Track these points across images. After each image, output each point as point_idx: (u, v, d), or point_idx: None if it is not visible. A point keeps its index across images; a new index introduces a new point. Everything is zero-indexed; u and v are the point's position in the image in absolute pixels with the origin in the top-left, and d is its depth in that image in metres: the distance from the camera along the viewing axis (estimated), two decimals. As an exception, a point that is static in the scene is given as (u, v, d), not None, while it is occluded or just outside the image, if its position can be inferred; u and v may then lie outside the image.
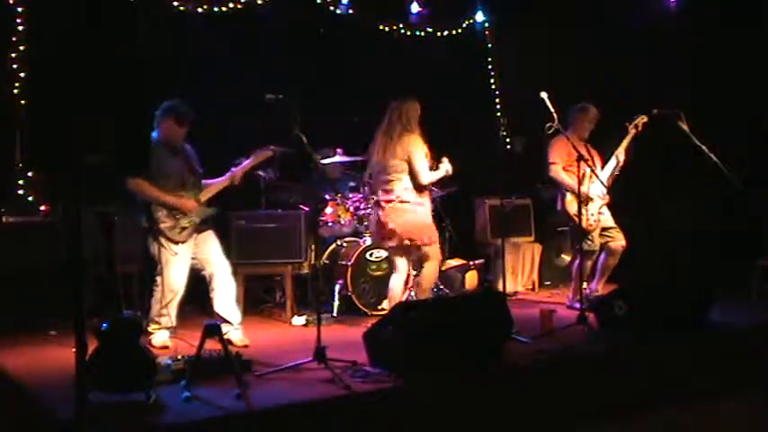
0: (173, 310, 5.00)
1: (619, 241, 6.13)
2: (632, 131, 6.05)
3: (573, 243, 6.64)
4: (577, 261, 6.12)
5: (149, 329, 4.93)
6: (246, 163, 5.30)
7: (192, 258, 5.08)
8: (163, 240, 4.94)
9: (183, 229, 4.99)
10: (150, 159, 4.84)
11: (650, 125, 6.05)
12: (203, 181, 5.26)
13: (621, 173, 6.11)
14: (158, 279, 4.96)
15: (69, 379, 3.45)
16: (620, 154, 6.06)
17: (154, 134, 5.00)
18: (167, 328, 4.99)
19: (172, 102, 5.00)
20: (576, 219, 5.85)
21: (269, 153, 5.36)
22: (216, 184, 5.24)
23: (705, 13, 7.14)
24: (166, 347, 4.89)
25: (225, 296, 5.09)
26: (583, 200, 5.82)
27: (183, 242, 4.98)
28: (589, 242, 5.99)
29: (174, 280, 4.95)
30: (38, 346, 4.97)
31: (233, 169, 5.28)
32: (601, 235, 6.08)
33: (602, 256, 6.16)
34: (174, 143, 5.06)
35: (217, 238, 5.22)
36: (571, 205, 5.99)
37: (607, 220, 6.15)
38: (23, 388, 4.02)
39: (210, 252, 5.12)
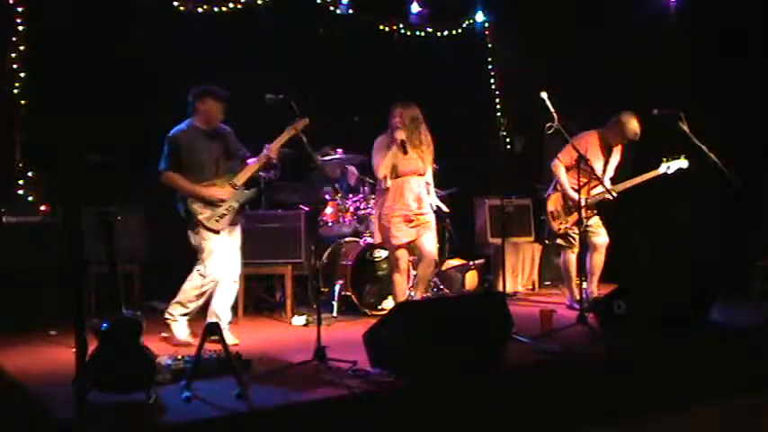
0: (203, 299, 5.00)
1: (600, 236, 6.11)
2: (661, 171, 6.02)
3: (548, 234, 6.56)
4: (562, 257, 6.25)
5: (171, 312, 4.94)
6: (281, 137, 5.06)
7: None
8: (203, 231, 4.92)
9: (222, 216, 4.96)
10: (181, 156, 4.88)
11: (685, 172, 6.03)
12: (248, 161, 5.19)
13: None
14: (200, 267, 4.96)
15: (69, 379, 3.45)
16: (627, 185, 6.03)
17: (182, 126, 4.99)
18: (189, 315, 4.99)
19: (200, 85, 4.99)
20: (550, 217, 6.16)
21: (305, 122, 4.92)
22: (251, 166, 5.14)
23: (705, 13, 7.13)
24: (190, 343, 4.83)
25: (225, 296, 5.08)
26: (572, 206, 5.88)
27: (222, 230, 4.96)
28: (570, 239, 6.10)
29: (215, 268, 4.94)
30: (38, 346, 4.97)
31: (267, 146, 5.09)
32: (583, 231, 6.04)
33: (588, 255, 6.09)
34: (213, 124, 5.04)
35: (241, 237, 5.19)
36: (552, 203, 6.15)
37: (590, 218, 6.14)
38: (23, 388, 4.02)
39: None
